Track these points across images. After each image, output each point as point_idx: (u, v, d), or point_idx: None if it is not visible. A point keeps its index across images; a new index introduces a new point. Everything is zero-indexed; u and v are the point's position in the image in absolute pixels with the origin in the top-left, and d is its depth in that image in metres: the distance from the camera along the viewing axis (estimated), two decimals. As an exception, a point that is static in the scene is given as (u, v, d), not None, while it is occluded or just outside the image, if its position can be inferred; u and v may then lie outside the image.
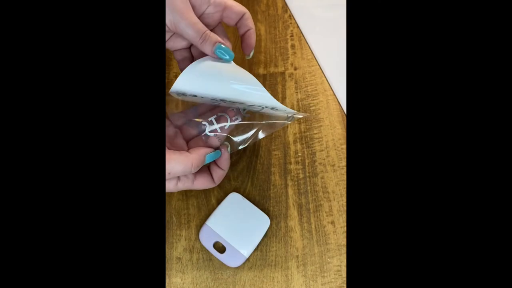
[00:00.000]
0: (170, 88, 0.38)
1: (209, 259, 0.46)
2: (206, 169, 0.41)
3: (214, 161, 0.40)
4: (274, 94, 0.53)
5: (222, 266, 0.45)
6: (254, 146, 0.51)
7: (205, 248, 0.46)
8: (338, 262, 0.45)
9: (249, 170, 0.50)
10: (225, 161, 0.40)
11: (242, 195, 0.48)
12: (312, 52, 0.56)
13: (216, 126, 0.40)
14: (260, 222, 0.46)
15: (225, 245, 0.45)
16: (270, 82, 0.54)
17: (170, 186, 0.37)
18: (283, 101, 0.53)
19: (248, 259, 0.45)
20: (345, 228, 0.46)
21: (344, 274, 0.44)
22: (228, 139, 0.41)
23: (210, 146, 0.40)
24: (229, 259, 0.45)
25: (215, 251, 0.45)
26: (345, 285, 0.44)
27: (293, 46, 0.57)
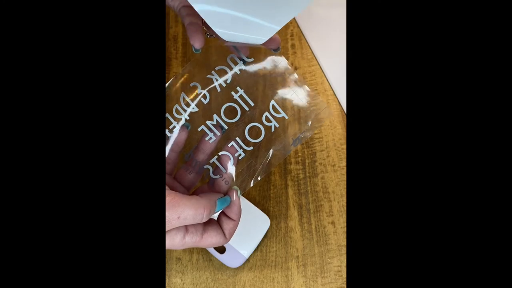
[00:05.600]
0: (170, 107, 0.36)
1: (209, 259, 0.46)
2: (215, 222, 0.36)
3: (223, 211, 0.36)
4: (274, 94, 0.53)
5: (222, 266, 0.45)
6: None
7: (204, 248, 0.46)
8: (338, 262, 0.45)
9: (249, 170, 0.49)
10: (236, 209, 0.35)
11: (242, 195, 0.48)
12: (312, 52, 0.56)
13: (221, 166, 0.36)
14: (260, 223, 0.46)
15: (225, 245, 0.45)
16: (270, 82, 0.54)
17: (177, 240, 0.33)
18: (283, 102, 0.53)
19: (248, 260, 0.45)
20: (346, 229, 0.46)
21: (345, 275, 0.44)
22: (236, 180, 0.37)
23: (218, 192, 0.36)
24: (229, 260, 0.45)
25: (215, 251, 0.45)
26: (345, 286, 0.44)
27: (293, 45, 0.57)
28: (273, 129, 0.36)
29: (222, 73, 0.36)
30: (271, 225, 0.47)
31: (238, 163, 0.36)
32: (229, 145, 0.36)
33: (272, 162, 0.37)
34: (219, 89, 0.36)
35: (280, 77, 0.37)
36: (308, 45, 0.56)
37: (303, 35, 0.57)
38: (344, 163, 0.49)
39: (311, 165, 0.49)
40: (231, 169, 0.36)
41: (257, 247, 0.46)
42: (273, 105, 0.36)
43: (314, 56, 0.56)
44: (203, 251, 0.46)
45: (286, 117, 0.36)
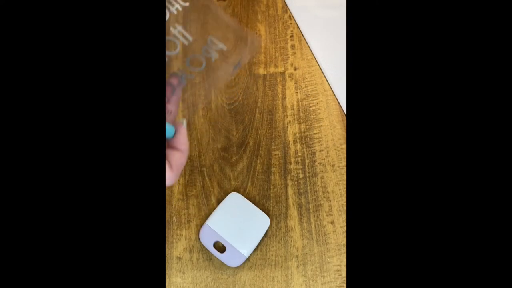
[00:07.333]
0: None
1: (209, 258, 0.46)
2: None
3: (170, 144, 0.34)
4: (274, 94, 0.53)
5: (222, 265, 0.45)
6: (254, 146, 0.51)
7: (205, 247, 0.46)
8: (338, 262, 0.45)
9: (249, 170, 0.50)
10: (182, 138, 0.33)
11: (242, 195, 0.48)
12: (312, 52, 0.56)
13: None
14: (260, 222, 0.46)
15: (225, 244, 0.45)
16: (270, 82, 0.54)
17: None
18: (283, 101, 0.53)
19: (248, 259, 0.45)
20: (345, 228, 0.46)
21: (344, 274, 0.44)
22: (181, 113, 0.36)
23: None
24: (229, 259, 0.45)
25: (215, 250, 0.45)
26: (345, 285, 0.44)
27: (293, 46, 0.57)
28: (213, 60, 0.37)
29: None
30: (271, 224, 0.47)
31: (181, 92, 0.37)
32: (172, 76, 0.37)
33: (217, 86, 0.38)
34: None
35: (215, 15, 0.39)
36: (308, 45, 0.57)
37: (303, 35, 0.57)
38: (343, 163, 0.49)
39: (310, 165, 0.50)
40: (175, 99, 0.36)
41: (257, 246, 0.46)
42: (211, 40, 0.37)
43: (314, 56, 0.56)
44: (204, 251, 0.46)
45: (225, 48, 0.38)
